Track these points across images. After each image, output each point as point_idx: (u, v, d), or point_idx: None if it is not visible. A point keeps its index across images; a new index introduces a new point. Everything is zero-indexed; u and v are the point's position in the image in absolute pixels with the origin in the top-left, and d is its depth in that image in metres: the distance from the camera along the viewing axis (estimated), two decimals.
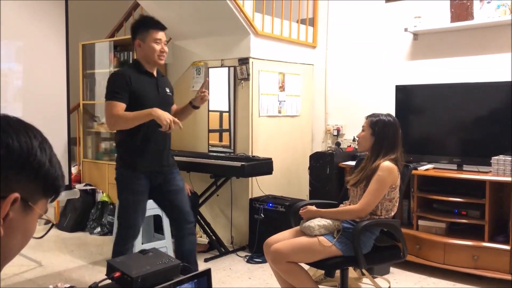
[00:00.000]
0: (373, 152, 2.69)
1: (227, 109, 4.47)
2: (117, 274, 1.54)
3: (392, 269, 3.70)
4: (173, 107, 3.02)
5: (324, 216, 2.64)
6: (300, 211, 2.76)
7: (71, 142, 4.10)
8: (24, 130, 0.80)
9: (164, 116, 2.59)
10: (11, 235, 0.79)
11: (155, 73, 2.87)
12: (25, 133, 0.80)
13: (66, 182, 3.81)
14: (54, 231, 4.95)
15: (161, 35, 2.79)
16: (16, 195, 0.77)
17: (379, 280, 3.35)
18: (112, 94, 2.69)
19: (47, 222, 0.96)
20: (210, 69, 4.57)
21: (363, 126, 2.77)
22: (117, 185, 2.90)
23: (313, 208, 2.73)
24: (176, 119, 2.65)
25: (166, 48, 2.83)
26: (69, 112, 4.10)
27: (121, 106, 2.67)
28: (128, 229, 2.84)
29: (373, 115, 2.75)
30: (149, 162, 2.81)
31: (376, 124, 2.69)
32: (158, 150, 2.84)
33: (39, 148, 0.81)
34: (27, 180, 0.80)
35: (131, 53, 4.91)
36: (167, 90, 2.93)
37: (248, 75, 4.25)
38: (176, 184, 2.93)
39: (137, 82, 2.73)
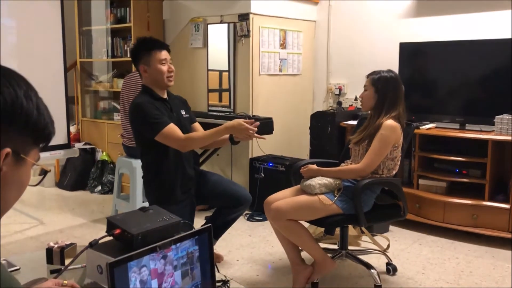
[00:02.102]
0: (376, 110, 2.64)
1: (227, 68, 4.39)
2: (118, 231, 1.53)
3: (391, 227, 3.73)
4: (195, 125, 2.84)
5: (325, 175, 2.63)
6: (301, 169, 2.74)
7: (69, 101, 4.04)
8: (6, 80, 0.76)
9: (242, 129, 2.44)
10: (6, 189, 0.78)
11: (165, 96, 2.71)
12: (7, 84, 0.76)
13: (65, 140, 3.79)
14: (55, 190, 4.98)
15: (164, 54, 2.63)
16: (8, 150, 0.75)
17: (378, 238, 3.38)
18: (157, 123, 2.50)
19: (43, 171, 0.95)
20: (209, 25, 4.45)
21: (365, 86, 2.71)
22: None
23: (314, 166, 2.72)
24: (253, 127, 2.47)
25: (172, 67, 2.65)
26: (66, 70, 4.02)
27: (174, 127, 2.51)
28: None
29: (374, 72, 2.69)
30: (182, 189, 2.69)
31: (378, 81, 2.64)
32: (187, 178, 2.72)
33: (25, 98, 0.77)
34: (17, 132, 0.77)
35: (127, 9, 4.77)
36: (183, 112, 2.77)
37: (248, 31, 4.14)
38: (211, 180, 2.83)
39: (162, 108, 2.59)
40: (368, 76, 2.72)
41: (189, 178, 2.74)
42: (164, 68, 2.62)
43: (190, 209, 2.72)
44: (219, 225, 2.82)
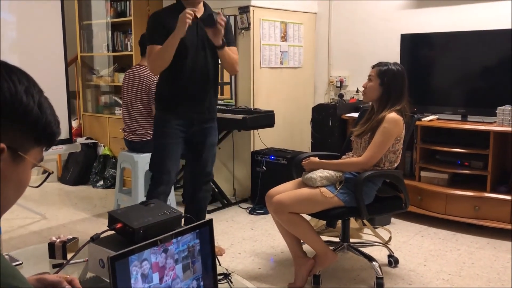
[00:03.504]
0: (380, 103, 2.62)
1: None
2: (119, 225, 1.54)
3: (393, 219, 3.73)
4: (232, 49, 2.83)
5: (326, 168, 2.62)
6: (303, 162, 2.74)
7: (70, 95, 4.04)
8: (6, 74, 0.75)
9: (183, 18, 2.48)
10: (2, 186, 0.76)
11: (198, 13, 2.68)
12: (7, 78, 0.74)
13: (67, 135, 3.78)
14: (57, 185, 4.99)
15: None
16: (2, 145, 0.73)
17: (380, 231, 3.38)
18: (149, 38, 2.66)
19: (44, 172, 0.93)
20: None
21: (370, 76, 2.68)
22: (153, 130, 2.89)
23: (316, 159, 2.71)
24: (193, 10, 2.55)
25: None
26: (67, 65, 4.01)
27: (155, 48, 2.62)
28: (161, 174, 2.80)
29: (381, 64, 2.66)
30: (187, 108, 2.77)
31: (385, 73, 2.61)
32: (197, 99, 2.79)
33: (25, 94, 0.75)
34: (15, 129, 0.75)
35: (128, 2, 4.76)
36: None
37: (249, 24, 4.12)
38: (209, 139, 2.90)
39: (175, 23, 2.57)
40: (374, 66, 2.69)
41: (196, 106, 2.79)
42: None
43: (179, 136, 2.80)
44: (195, 209, 2.95)
